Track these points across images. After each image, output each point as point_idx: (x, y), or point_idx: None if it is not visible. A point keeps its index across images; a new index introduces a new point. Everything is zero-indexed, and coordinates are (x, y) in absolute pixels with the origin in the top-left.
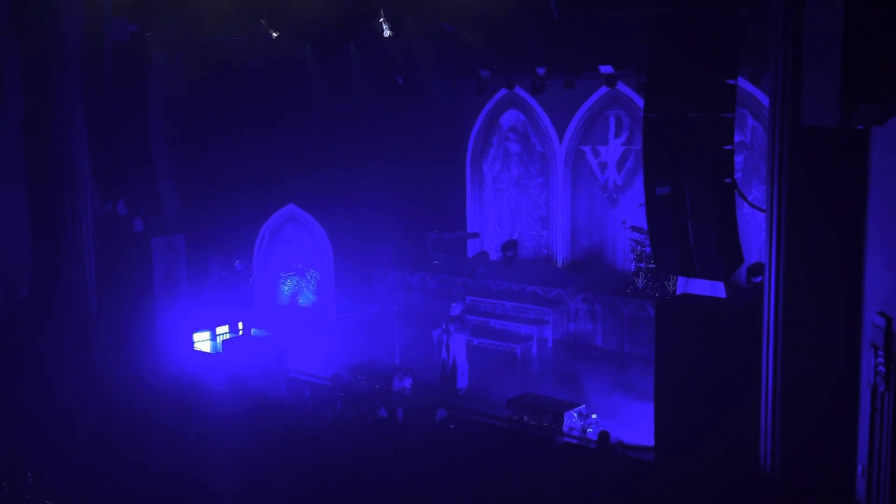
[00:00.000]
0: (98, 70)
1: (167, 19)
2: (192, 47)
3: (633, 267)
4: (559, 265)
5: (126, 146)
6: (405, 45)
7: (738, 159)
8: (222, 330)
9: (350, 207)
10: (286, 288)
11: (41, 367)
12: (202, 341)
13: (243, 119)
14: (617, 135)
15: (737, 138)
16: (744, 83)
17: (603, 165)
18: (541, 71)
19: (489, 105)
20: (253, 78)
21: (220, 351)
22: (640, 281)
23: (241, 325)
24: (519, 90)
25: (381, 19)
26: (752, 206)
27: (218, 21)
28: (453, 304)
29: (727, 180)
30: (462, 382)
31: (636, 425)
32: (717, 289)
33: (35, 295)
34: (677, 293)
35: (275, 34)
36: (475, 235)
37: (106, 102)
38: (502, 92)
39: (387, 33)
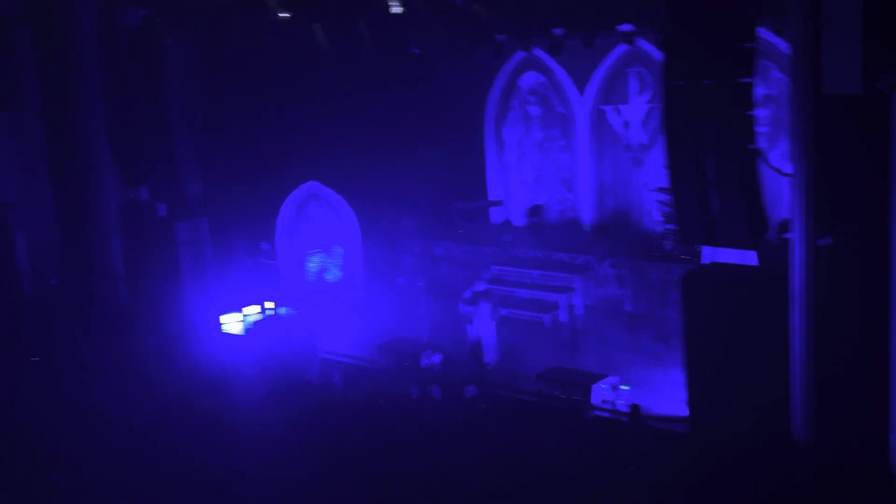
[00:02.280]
0: (113, 56)
1: (177, 1)
2: (204, 29)
3: (660, 228)
4: (586, 228)
5: (145, 131)
6: (415, 18)
7: (765, 113)
8: (251, 310)
9: (372, 180)
10: (313, 265)
11: (73, 355)
12: (231, 323)
13: (260, 98)
14: (640, 92)
15: (763, 91)
16: (767, 35)
17: (626, 125)
18: (558, 31)
19: (507, 68)
20: (267, 57)
21: (249, 332)
22: (668, 243)
23: (269, 305)
24: (537, 51)
25: None
26: (778, 171)
27: (227, 1)
28: (476, 282)
29: (750, 146)
30: (490, 357)
31: (669, 394)
32: (747, 255)
33: (64, 283)
34: (704, 259)
35: (284, 14)
36: (498, 203)
37: (123, 88)
38: (520, 54)
39: (395, 9)
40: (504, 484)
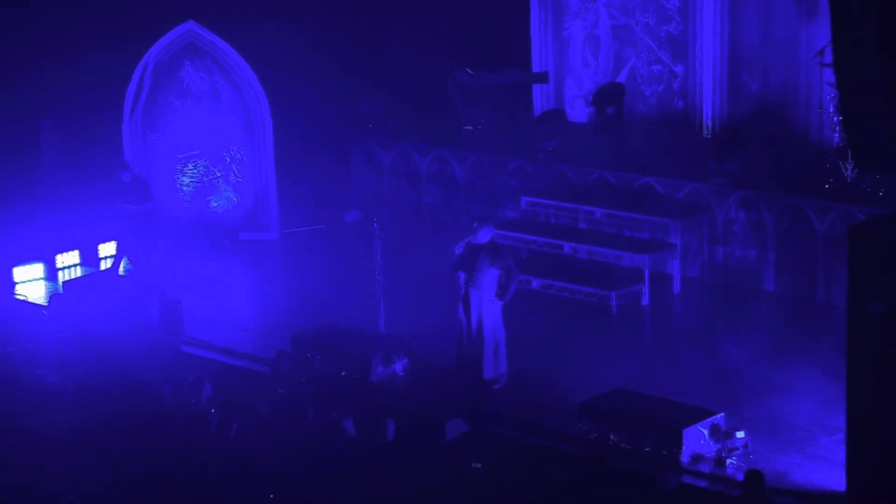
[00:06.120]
0: None
1: None
2: None
3: (836, 138)
4: (703, 131)
5: None
6: None
7: None
8: (68, 260)
9: (305, 28)
10: (186, 181)
11: None
12: (30, 281)
13: None
14: None
15: None
16: None
17: None
18: None
19: None
20: None
21: (57, 299)
22: (849, 165)
23: (103, 252)
24: None
25: None
26: None
27: None
28: (479, 226)
29: None
30: (499, 367)
31: (823, 449)
32: None
33: None
34: None
35: None
36: (542, 78)
37: None
38: None
39: None
40: None
